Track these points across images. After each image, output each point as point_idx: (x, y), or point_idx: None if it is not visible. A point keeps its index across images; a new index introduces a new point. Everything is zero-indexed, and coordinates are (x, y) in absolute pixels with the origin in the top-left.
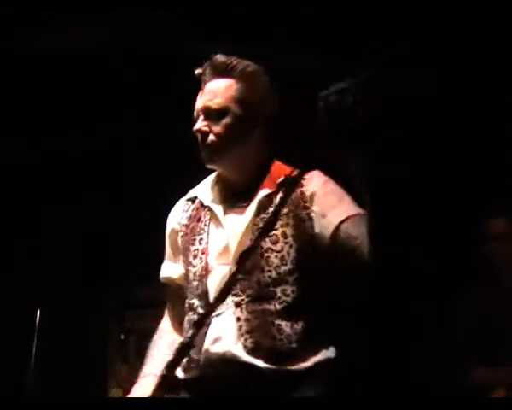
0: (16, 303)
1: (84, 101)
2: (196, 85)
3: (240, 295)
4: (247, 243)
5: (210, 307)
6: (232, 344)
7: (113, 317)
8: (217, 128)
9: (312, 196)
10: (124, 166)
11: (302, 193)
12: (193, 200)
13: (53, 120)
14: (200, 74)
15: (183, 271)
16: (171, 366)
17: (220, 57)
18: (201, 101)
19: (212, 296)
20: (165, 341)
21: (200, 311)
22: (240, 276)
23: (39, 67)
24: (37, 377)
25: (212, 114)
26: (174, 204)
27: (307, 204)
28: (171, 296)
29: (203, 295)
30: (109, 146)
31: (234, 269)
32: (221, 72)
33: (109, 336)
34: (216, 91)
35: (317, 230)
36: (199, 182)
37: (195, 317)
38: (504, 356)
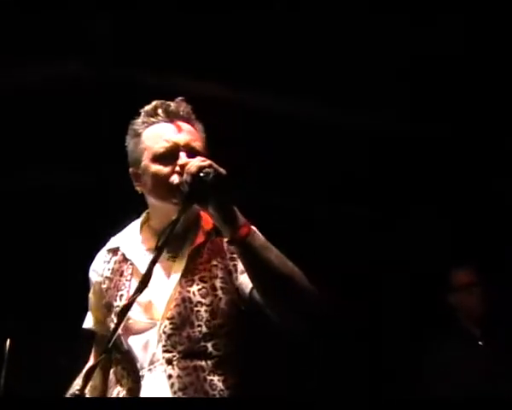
0: None
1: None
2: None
3: (171, 351)
4: (177, 297)
5: (138, 364)
6: None
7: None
8: None
9: None
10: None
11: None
12: (114, 251)
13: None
14: (153, 113)
15: (101, 324)
16: None
17: (183, 103)
18: (181, 138)
19: (136, 353)
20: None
21: (127, 366)
22: (170, 331)
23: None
24: None
25: (193, 155)
26: None
27: (233, 255)
28: (98, 343)
29: (126, 352)
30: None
31: (163, 325)
32: (183, 116)
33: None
34: (193, 133)
35: (237, 284)
36: None
37: (124, 373)
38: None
